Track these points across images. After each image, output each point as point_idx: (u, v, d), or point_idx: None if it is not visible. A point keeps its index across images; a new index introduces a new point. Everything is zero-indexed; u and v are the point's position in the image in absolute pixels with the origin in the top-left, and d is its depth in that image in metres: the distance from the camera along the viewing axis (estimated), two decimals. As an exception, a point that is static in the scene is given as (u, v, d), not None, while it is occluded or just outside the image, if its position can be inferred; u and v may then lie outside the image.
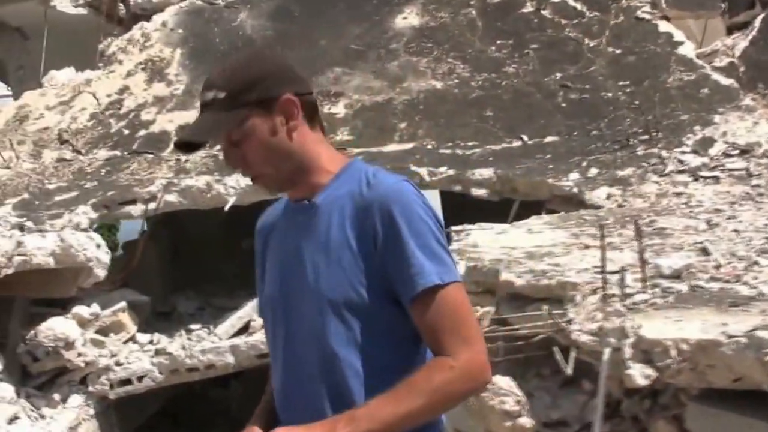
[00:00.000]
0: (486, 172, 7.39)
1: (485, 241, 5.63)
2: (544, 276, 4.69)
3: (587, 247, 5.34)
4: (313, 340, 2.37)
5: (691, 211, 6.29)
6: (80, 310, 7.35)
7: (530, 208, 6.98)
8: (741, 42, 9.20)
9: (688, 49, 8.79)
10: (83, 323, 7.33)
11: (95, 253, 7.20)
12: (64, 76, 9.63)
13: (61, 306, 7.48)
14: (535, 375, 4.67)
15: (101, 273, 7.28)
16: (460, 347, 2.23)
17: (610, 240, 5.52)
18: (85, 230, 7.49)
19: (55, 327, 7.16)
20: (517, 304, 4.76)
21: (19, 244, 6.78)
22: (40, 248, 6.88)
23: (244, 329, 7.73)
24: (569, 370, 4.03)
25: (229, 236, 9.74)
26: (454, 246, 5.70)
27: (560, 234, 5.79)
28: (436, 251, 2.28)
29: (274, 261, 2.50)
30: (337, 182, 2.40)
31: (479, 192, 7.37)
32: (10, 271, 6.67)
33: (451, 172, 7.45)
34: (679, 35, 8.94)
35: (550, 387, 4.59)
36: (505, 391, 4.20)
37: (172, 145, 2.09)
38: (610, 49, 8.75)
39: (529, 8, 9.19)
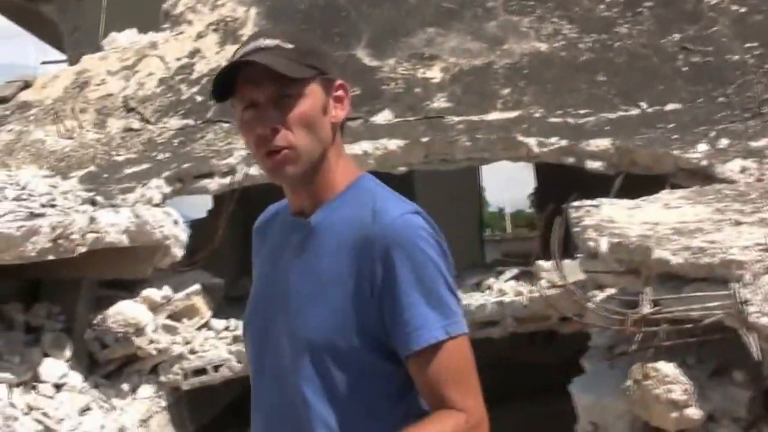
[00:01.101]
0: (602, 143, 7.19)
1: (621, 217, 5.44)
2: (704, 254, 4.50)
3: (739, 223, 5.14)
4: (285, 380, 2.32)
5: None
6: (150, 293, 7.26)
7: (633, 184, 6.74)
8: None
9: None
10: (154, 307, 7.25)
11: (173, 230, 7.11)
12: (126, 38, 9.56)
13: (129, 288, 7.35)
14: (681, 364, 4.49)
15: (179, 252, 7.19)
16: (470, 402, 2.19)
17: (762, 215, 5.33)
18: (157, 206, 7.40)
19: (125, 311, 7.07)
20: (671, 285, 4.58)
21: (92, 220, 6.69)
22: (114, 225, 6.78)
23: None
24: (757, 354, 3.85)
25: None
26: (587, 221, 5.53)
27: (702, 209, 5.58)
28: (444, 299, 2.20)
29: (262, 277, 2.46)
30: (340, 201, 2.30)
31: (594, 165, 7.20)
32: (83, 249, 6.58)
33: (563, 142, 7.27)
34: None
35: (699, 377, 4.43)
36: (671, 378, 4.05)
37: (233, 61, 1.95)
38: (734, 7, 8.51)
39: (642, -38, 8.96)
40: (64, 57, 11.66)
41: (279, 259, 2.38)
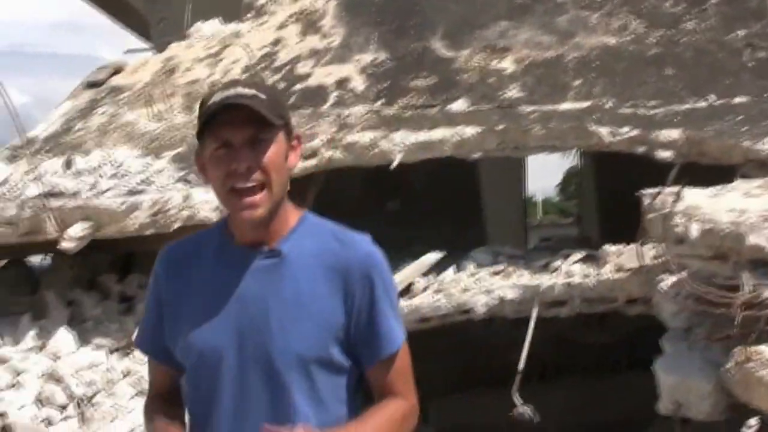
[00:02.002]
0: (673, 134, 7.08)
1: (706, 204, 5.35)
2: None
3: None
4: (272, 394, 2.46)
5: None
6: None
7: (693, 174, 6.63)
8: None
9: None
10: None
11: (260, 207, 7.07)
12: (210, 28, 9.57)
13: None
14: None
15: (264, 228, 7.15)
16: (412, 393, 2.60)
17: None
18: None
19: None
20: (763, 271, 4.50)
21: (186, 198, 6.70)
22: (207, 202, 6.79)
23: (405, 291, 7.56)
24: None
25: (369, 195, 9.59)
26: (680, 207, 5.45)
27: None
28: (397, 312, 2.58)
29: (214, 306, 2.49)
30: (299, 234, 2.49)
31: (665, 154, 7.08)
32: (178, 225, 6.60)
33: (635, 132, 7.16)
34: None
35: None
36: (775, 359, 3.96)
37: (211, 104, 2.05)
38: (798, 6, 8.34)
39: (706, -40, 8.82)
40: (146, 47, 11.69)
41: (240, 286, 2.48)
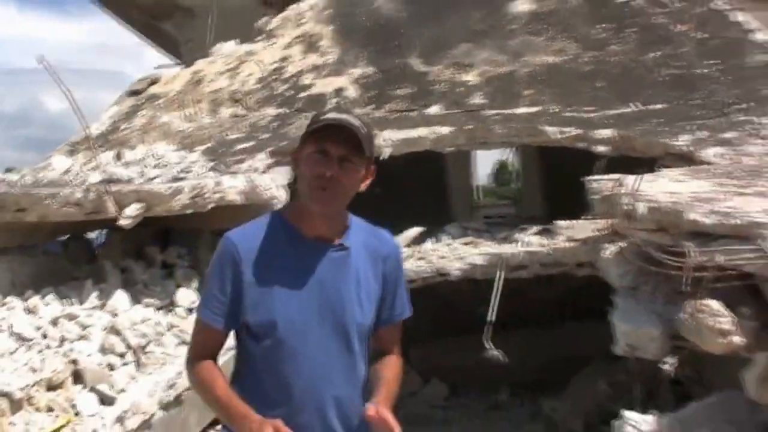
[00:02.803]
0: (608, 132, 6.85)
1: (645, 188, 5.08)
2: (730, 216, 4.16)
3: (742, 194, 4.79)
4: (347, 356, 2.53)
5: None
6: None
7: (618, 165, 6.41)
8: (806, 29, 8.56)
9: (761, 35, 8.15)
10: None
11: (276, 192, 6.76)
12: (229, 47, 9.16)
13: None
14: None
15: (281, 209, 6.82)
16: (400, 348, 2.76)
17: (757, 189, 4.98)
18: (264, 173, 7.04)
19: None
20: (700, 241, 4.23)
21: (218, 183, 6.36)
22: (233, 187, 6.48)
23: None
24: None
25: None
26: (622, 190, 5.18)
27: (704, 183, 5.24)
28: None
29: (298, 287, 2.47)
30: (353, 231, 2.55)
31: (601, 149, 6.84)
32: (211, 206, 6.25)
33: (577, 131, 6.92)
34: (754, 23, 8.30)
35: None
36: (721, 312, 3.71)
37: (321, 124, 2.02)
38: (695, 34, 8.14)
39: (624, -2, 8.58)
40: (176, 62, 11.21)
41: (317, 272, 2.48)
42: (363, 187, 2.51)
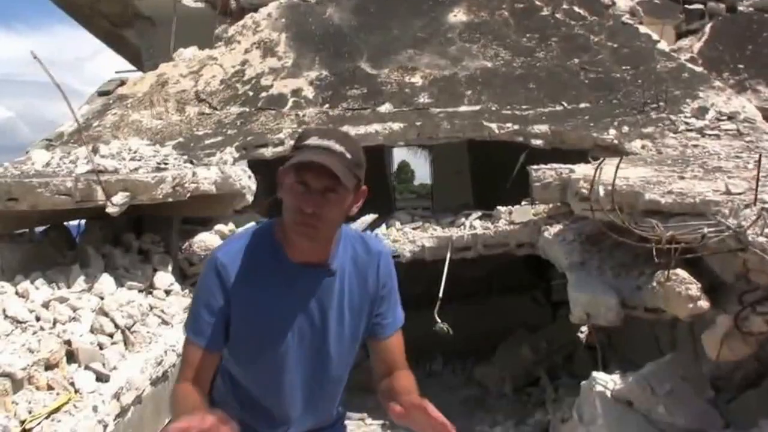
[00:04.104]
0: (542, 128, 6.83)
1: (591, 173, 5.02)
2: (685, 196, 4.13)
3: (683, 178, 4.78)
4: (318, 379, 2.30)
5: (719, 157, 5.77)
6: (221, 227, 6.68)
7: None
8: (696, 43, 8.76)
9: (664, 45, 8.28)
10: (224, 237, 6.63)
11: (247, 182, 6.51)
12: (190, 52, 8.74)
13: (205, 225, 6.72)
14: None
15: (250, 198, 6.59)
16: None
17: (694, 174, 4.99)
18: (234, 165, 6.74)
19: (205, 239, 6.52)
20: (656, 218, 4.19)
21: (194, 174, 6.05)
22: (207, 178, 6.18)
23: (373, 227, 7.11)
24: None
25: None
26: (574, 176, 5.12)
27: (644, 170, 5.22)
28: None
29: (283, 312, 2.20)
30: (341, 248, 2.21)
31: (537, 142, 6.82)
32: (189, 195, 5.93)
33: (516, 126, 6.85)
34: (656, 35, 8.43)
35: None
36: (688, 280, 3.66)
37: (299, 160, 1.77)
38: (609, 43, 8.18)
39: (546, 12, 8.57)
40: (134, 69, 10.66)
41: (303, 298, 2.19)
42: (354, 210, 2.15)
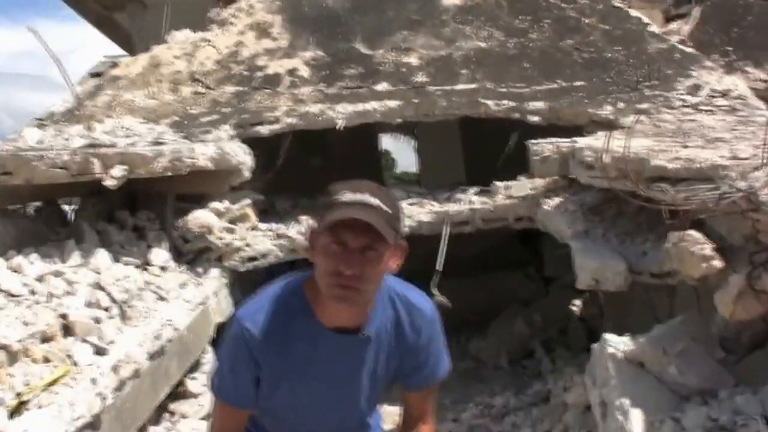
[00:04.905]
0: (539, 104, 6.62)
1: (597, 144, 4.82)
2: (692, 162, 3.93)
3: (687, 147, 4.58)
4: (362, 416, 2.19)
5: (716, 130, 5.58)
6: (216, 205, 6.44)
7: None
8: (685, 26, 8.60)
9: (655, 28, 8.10)
10: (219, 215, 6.44)
11: (244, 158, 6.27)
12: (183, 35, 8.41)
13: (199, 202, 6.47)
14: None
15: (247, 174, 6.35)
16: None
17: (697, 143, 4.79)
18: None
19: (200, 217, 6.27)
20: (663, 185, 3.99)
21: (191, 150, 5.79)
22: (204, 154, 5.94)
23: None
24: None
25: (299, 153, 8.68)
26: (577, 146, 4.91)
27: (646, 141, 5.00)
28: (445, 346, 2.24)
29: (315, 377, 2.06)
30: (379, 311, 2.03)
31: (533, 119, 6.62)
32: (187, 170, 5.68)
33: (512, 103, 6.63)
34: (646, 19, 8.25)
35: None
36: (702, 240, 3.47)
37: (335, 218, 1.62)
38: (601, 26, 7.99)
39: (537, -5, 8.34)
40: (124, 54, 10.28)
41: (335, 364, 2.04)
42: (394, 267, 1.99)
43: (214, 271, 6.21)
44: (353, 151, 8.90)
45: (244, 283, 7.04)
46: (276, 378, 2.03)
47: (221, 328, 6.17)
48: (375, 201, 1.86)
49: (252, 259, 6.44)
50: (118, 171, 4.87)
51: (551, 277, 9.05)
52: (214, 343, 6.15)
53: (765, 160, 3.56)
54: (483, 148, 8.19)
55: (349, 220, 1.82)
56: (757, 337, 3.79)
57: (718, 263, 3.46)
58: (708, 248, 3.44)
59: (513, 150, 7.08)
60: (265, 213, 7.16)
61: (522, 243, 9.33)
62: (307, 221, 6.78)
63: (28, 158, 4.58)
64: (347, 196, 1.87)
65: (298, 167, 8.11)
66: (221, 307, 6.16)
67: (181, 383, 5.59)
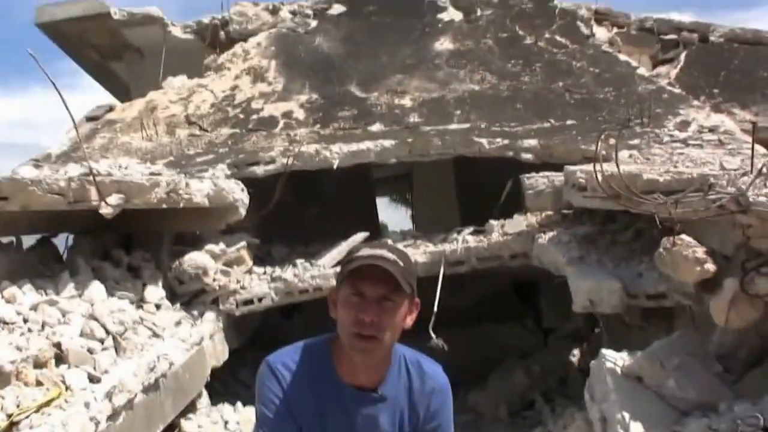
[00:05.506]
0: (532, 142, 6.79)
1: (586, 169, 4.96)
2: (682, 174, 4.07)
3: (676, 167, 4.73)
4: None
5: (704, 161, 5.74)
6: (212, 247, 6.48)
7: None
8: (673, 70, 8.88)
9: (643, 71, 8.37)
10: (214, 257, 6.47)
11: (240, 195, 6.33)
12: (179, 81, 8.64)
13: (195, 244, 6.53)
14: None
15: (243, 212, 6.40)
16: None
17: (680, 170, 4.93)
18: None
19: (196, 258, 6.31)
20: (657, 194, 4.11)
21: (187, 184, 5.87)
22: (200, 190, 6.00)
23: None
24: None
25: (297, 203, 8.79)
26: (570, 170, 5.04)
27: (636, 167, 5.14)
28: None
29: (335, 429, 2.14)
30: (393, 373, 2.16)
31: (527, 156, 6.76)
32: (183, 204, 5.75)
33: (505, 141, 6.79)
34: (635, 62, 8.53)
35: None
36: (694, 243, 3.57)
37: (353, 267, 1.81)
38: (591, 69, 8.25)
39: (529, 41, 8.64)
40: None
41: (353, 419, 2.13)
42: (409, 322, 2.12)
43: (210, 315, 6.22)
44: (349, 201, 9.03)
45: (240, 328, 7.05)
46: (312, 422, 2.12)
47: (215, 372, 6.18)
48: (391, 256, 2.02)
49: (247, 302, 6.47)
50: (114, 199, 4.94)
51: (549, 328, 9.08)
52: (209, 387, 6.15)
53: (752, 166, 3.69)
54: (477, 194, 8.33)
55: (367, 269, 1.98)
56: (753, 353, 3.85)
57: (710, 266, 3.55)
58: (700, 251, 3.54)
59: (508, 196, 7.20)
60: (262, 261, 7.23)
61: (518, 294, 9.39)
62: (302, 264, 6.86)
63: (25, 183, 4.64)
64: (365, 252, 2.05)
65: (294, 216, 8.24)
66: (217, 350, 6.16)
67: (176, 424, 5.57)
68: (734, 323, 3.41)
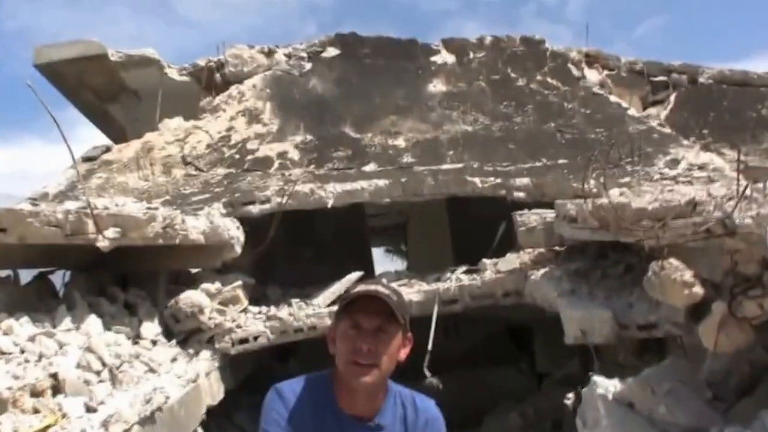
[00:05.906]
0: (524, 180, 7.00)
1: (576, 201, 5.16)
2: (670, 202, 4.24)
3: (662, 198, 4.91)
4: None
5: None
6: (208, 286, 6.62)
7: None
8: (663, 111, 9.17)
9: (634, 111, 8.65)
10: (210, 296, 6.61)
11: (236, 233, 6.51)
12: (175, 122, 8.87)
13: (190, 284, 6.67)
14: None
15: (239, 249, 6.55)
16: None
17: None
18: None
19: (192, 297, 6.44)
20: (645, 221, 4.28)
21: (183, 221, 6.03)
22: (195, 226, 6.16)
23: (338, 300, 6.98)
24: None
25: (292, 245, 8.95)
26: (560, 203, 5.23)
27: (625, 200, 5.34)
28: None
29: None
30: (389, 404, 2.30)
31: (519, 194, 6.96)
32: (178, 241, 5.90)
33: (498, 180, 7.00)
34: (625, 103, 8.82)
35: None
36: (682, 267, 3.73)
37: (349, 298, 2.00)
38: (582, 110, 8.52)
39: (521, 83, 8.93)
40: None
41: None
42: (402, 356, 2.28)
43: (205, 353, 6.31)
44: (344, 246, 9.21)
45: (236, 369, 7.14)
46: None
47: (211, 412, 6.25)
48: (385, 291, 2.19)
49: (243, 341, 6.57)
50: (111, 233, 5.09)
51: (544, 372, 9.19)
52: (206, 429, 6.20)
53: (737, 191, 3.85)
54: (471, 235, 8.49)
55: (364, 303, 2.15)
56: (744, 381, 3.97)
57: (698, 290, 3.70)
58: (688, 274, 3.69)
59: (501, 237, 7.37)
60: (257, 302, 7.35)
61: (512, 339, 9.52)
62: (297, 303, 6.99)
63: (23, 214, 4.77)
64: (361, 287, 2.23)
65: (289, 259, 8.40)
66: (212, 389, 6.24)
67: (172, 463, 5.63)
68: (723, 347, 3.54)
